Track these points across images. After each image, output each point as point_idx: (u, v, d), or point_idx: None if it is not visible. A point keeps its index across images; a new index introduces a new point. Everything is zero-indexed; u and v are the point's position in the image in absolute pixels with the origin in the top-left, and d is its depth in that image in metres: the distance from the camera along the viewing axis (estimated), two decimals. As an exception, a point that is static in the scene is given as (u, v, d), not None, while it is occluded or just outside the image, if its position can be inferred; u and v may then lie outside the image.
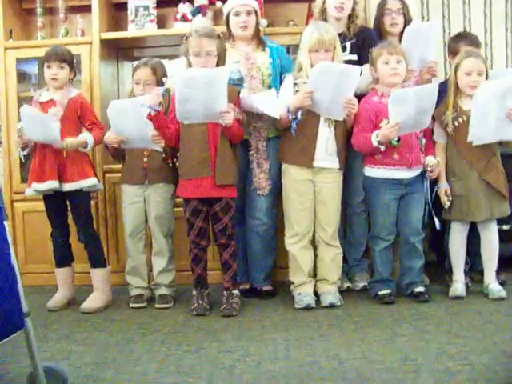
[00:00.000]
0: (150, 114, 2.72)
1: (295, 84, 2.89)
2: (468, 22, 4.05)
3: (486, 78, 2.88)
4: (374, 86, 2.98)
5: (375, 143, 2.82)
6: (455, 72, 2.91)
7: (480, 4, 4.03)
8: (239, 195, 3.06)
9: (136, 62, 3.22)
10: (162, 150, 2.95)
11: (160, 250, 3.10)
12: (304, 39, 2.91)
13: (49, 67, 2.99)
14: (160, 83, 2.99)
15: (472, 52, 2.96)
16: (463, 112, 2.87)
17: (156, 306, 3.04)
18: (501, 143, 2.93)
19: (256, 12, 3.12)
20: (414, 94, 2.73)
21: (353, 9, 3.13)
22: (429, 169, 2.88)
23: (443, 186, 2.94)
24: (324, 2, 3.10)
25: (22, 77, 3.75)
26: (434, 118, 2.97)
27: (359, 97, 2.94)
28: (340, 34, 3.03)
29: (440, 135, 3.00)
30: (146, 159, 3.04)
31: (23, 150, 2.99)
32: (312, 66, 2.82)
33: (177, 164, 2.97)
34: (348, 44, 3.11)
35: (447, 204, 2.91)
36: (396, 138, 2.85)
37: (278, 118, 2.87)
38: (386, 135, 2.79)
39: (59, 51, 3.01)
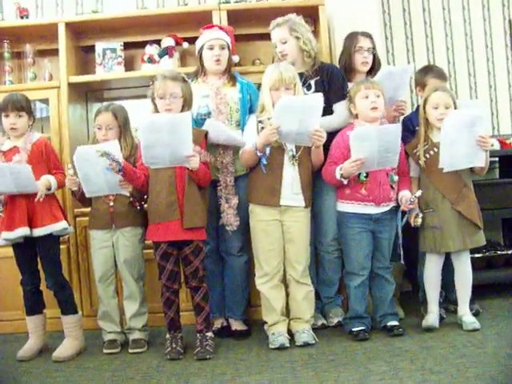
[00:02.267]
0: (119, 171, 2.74)
1: (259, 122, 2.91)
2: (432, 54, 4.17)
3: (455, 108, 2.93)
4: (351, 120, 3.02)
5: (338, 176, 2.86)
6: (424, 106, 2.97)
7: (442, 37, 4.16)
8: (214, 234, 3.06)
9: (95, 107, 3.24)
10: (128, 195, 2.95)
11: (131, 293, 3.07)
12: (265, 78, 2.96)
13: (7, 116, 2.97)
14: (122, 128, 3.02)
15: (439, 86, 3.03)
16: (434, 144, 2.92)
17: (130, 350, 3.00)
18: (472, 171, 2.97)
19: (228, 47, 3.17)
20: (375, 132, 2.78)
21: (302, 49, 3.14)
22: (407, 202, 2.88)
23: (414, 212, 2.95)
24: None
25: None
26: (407, 154, 3.02)
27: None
28: (301, 74, 3.08)
29: (413, 168, 3.04)
30: (111, 203, 3.03)
31: None
32: (274, 104, 2.85)
33: (145, 206, 2.97)
34: (312, 82, 3.15)
35: (419, 222, 2.92)
36: (364, 174, 2.89)
37: (241, 144, 2.94)
38: (347, 170, 2.83)
39: (15, 100, 2.96)
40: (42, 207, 2.94)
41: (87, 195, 2.98)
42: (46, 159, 3.01)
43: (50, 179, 2.95)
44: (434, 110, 2.93)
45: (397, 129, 2.81)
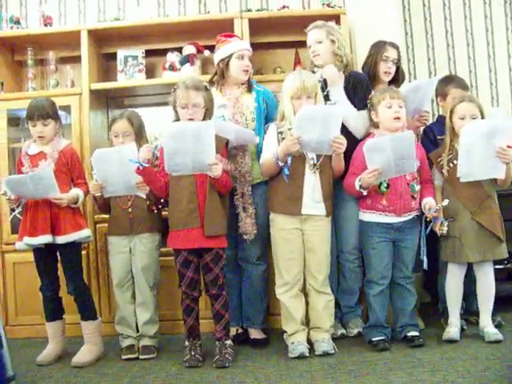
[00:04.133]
0: (138, 168, 2.75)
1: (280, 133, 2.91)
2: (453, 64, 4.15)
3: (482, 118, 2.91)
4: (372, 130, 3.01)
5: (357, 187, 2.85)
6: (450, 116, 2.95)
7: (463, 46, 4.14)
8: (232, 243, 3.06)
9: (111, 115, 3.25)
10: (145, 197, 2.96)
11: (144, 301, 3.08)
12: (286, 87, 2.95)
13: (34, 126, 2.99)
14: (138, 133, 3.03)
15: (466, 96, 3.01)
16: (458, 154, 2.89)
17: (140, 357, 3.01)
18: (495, 182, 2.93)
19: (251, 58, 3.19)
20: (388, 142, 2.76)
21: (336, 54, 3.15)
22: (432, 210, 2.85)
23: (439, 220, 2.93)
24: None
25: (15, 122, 3.79)
26: (431, 160, 3.01)
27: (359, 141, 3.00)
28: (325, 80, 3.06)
29: (436, 177, 3.03)
30: (130, 210, 3.05)
31: (17, 207, 2.96)
32: (295, 113, 2.85)
33: (162, 211, 3.00)
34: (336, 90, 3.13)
35: (445, 229, 2.89)
36: (385, 185, 2.87)
37: (257, 142, 2.96)
38: (365, 180, 2.82)
39: (40, 108, 2.97)
40: (66, 215, 2.95)
41: (105, 195, 2.98)
42: (71, 168, 3.03)
43: (78, 193, 2.98)
44: (460, 120, 2.91)
45: (409, 135, 2.78)
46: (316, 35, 3.17)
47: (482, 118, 2.91)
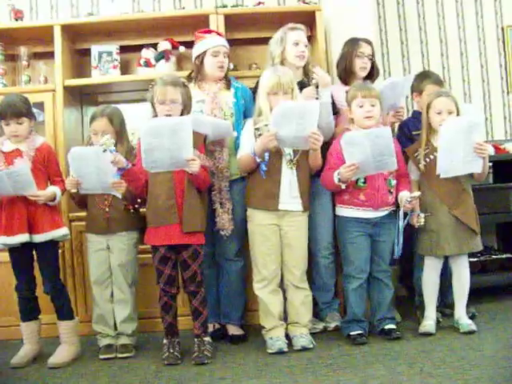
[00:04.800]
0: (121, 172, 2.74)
1: (257, 129, 2.91)
2: (426, 59, 4.20)
3: (458, 114, 2.94)
4: (348, 126, 3.02)
5: (336, 181, 2.86)
6: (427, 111, 2.98)
7: (436, 43, 4.19)
8: (209, 239, 3.05)
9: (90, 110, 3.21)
10: (121, 197, 2.93)
11: (123, 298, 3.05)
12: (262, 83, 2.95)
13: (7, 125, 2.91)
14: (118, 132, 2.99)
15: (442, 92, 3.04)
16: (434, 149, 2.93)
17: (118, 355, 2.98)
18: (471, 176, 2.97)
19: (228, 55, 3.18)
20: (365, 136, 2.77)
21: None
22: (406, 201, 2.87)
23: (416, 213, 2.96)
24: (283, 52, 3.15)
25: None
26: (407, 156, 3.04)
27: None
28: (299, 83, 3.07)
29: (413, 172, 3.06)
30: (107, 209, 3.02)
31: None
32: (271, 108, 2.85)
33: (140, 210, 2.97)
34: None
35: (422, 221, 2.92)
36: (362, 180, 2.90)
37: (234, 135, 2.98)
38: (343, 175, 2.83)
39: (13, 106, 2.88)
40: (43, 213, 2.91)
41: (80, 192, 2.94)
42: (47, 165, 2.98)
43: (56, 191, 2.93)
44: (436, 115, 2.94)
45: (386, 131, 2.79)
46: (303, 37, 3.20)
47: (458, 113, 2.94)
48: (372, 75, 3.34)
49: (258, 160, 2.85)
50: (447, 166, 2.84)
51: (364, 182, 2.91)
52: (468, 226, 2.95)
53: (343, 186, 2.88)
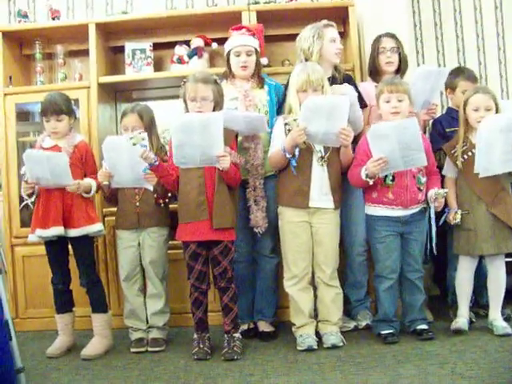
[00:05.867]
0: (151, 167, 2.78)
1: (286, 124, 2.89)
2: (462, 55, 4.11)
3: (497, 111, 2.88)
4: (377, 121, 2.97)
5: (363, 176, 2.83)
6: (464, 108, 2.93)
7: (473, 38, 4.10)
8: (249, 236, 3.08)
9: (124, 107, 3.25)
10: (152, 190, 2.96)
11: (156, 292, 3.10)
12: (292, 80, 2.94)
13: (47, 121, 2.99)
14: (148, 128, 3.01)
15: (480, 88, 2.99)
16: (472, 145, 2.88)
17: (149, 349, 3.03)
18: (511, 174, 2.91)
19: (257, 51, 3.16)
20: (392, 128, 2.72)
21: None
22: (433, 199, 2.83)
23: (453, 210, 2.94)
24: (321, 49, 3.11)
25: (22, 117, 3.80)
26: (445, 153, 3.00)
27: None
28: (329, 79, 3.05)
29: (450, 169, 3.01)
30: (138, 204, 3.06)
31: (30, 196, 2.97)
32: (301, 105, 2.83)
33: (169, 205, 3.02)
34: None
35: (458, 218, 2.89)
36: (390, 177, 2.86)
37: (268, 130, 2.97)
38: (370, 170, 2.79)
39: (54, 104, 2.97)
40: (78, 208, 2.97)
41: (112, 185, 2.99)
42: (84, 163, 3.05)
43: (92, 183, 2.99)
44: (474, 111, 2.89)
45: (413, 122, 2.72)
46: (338, 35, 3.18)
47: (497, 109, 2.88)
48: (400, 68, 3.29)
49: (289, 156, 2.84)
50: (486, 165, 2.79)
51: (392, 180, 2.87)
52: (507, 225, 2.88)
53: (371, 182, 2.84)
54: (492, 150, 2.76)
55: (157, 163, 2.78)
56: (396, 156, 2.74)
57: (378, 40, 3.30)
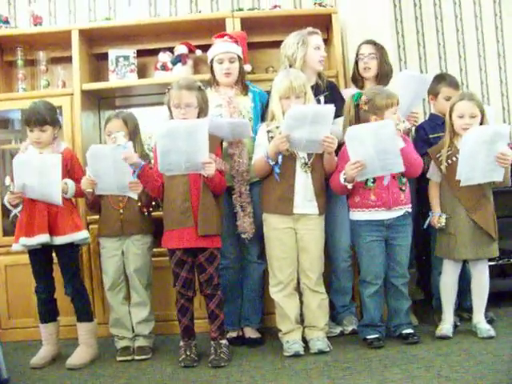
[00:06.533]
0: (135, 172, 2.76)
1: (268, 131, 2.90)
2: (444, 62, 4.17)
3: (483, 117, 2.92)
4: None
5: (342, 180, 2.85)
6: (450, 114, 2.96)
7: (454, 45, 4.16)
8: (236, 242, 3.08)
9: (108, 114, 3.25)
10: (136, 198, 2.95)
11: (141, 301, 3.09)
12: (274, 87, 2.95)
13: (31, 131, 2.95)
14: (132, 135, 3.01)
15: (465, 95, 3.00)
16: (457, 151, 2.90)
17: (135, 357, 3.01)
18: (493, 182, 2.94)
19: (239, 58, 3.17)
20: (367, 130, 2.74)
21: None
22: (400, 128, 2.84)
23: (437, 214, 2.97)
24: (304, 55, 3.13)
25: (4, 124, 3.76)
26: (430, 158, 3.03)
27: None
28: (312, 87, 3.08)
29: (435, 173, 3.04)
30: (121, 211, 3.05)
31: (16, 207, 2.93)
32: (284, 112, 2.85)
33: (153, 214, 3.00)
34: (322, 97, 3.16)
35: (443, 222, 2.93)
36: (372, 180, 2.88)
37: (252, 134, 2.97)
38: (348, 173, 2.81)
39: (38, 114, 2.92)
40: (64, 215, 2.94)
41: (96, 192, 2.96)
42: (70, 170, 3.02)
43: (67, 182, 2.95)
44: (459, 118, 2.92)
45: (388, 124, 2.74)
46: (322, 42, 3.22)
47: (483, 116, 2.91)
48: (384, 74, 3.32)
49: (272, 163, 2.85)
50: (467, 174, 2.82)
51: (373, 182, 2.89)
52: (485, 232, 2.92)
53: (349, 186, 2.85)
54: (475, 161, 2.78)
55: (142, 164, 2.76)
56: (373, 159, 2.76)
57: (357, 49, 3.37)
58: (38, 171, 2.81)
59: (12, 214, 2.98)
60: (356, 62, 3.37)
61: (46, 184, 2.83)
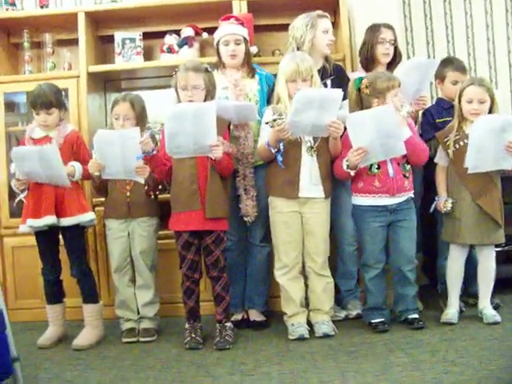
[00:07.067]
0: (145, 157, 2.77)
1: (266, 123, 2.80)
2: (452, 46, 4.13)
3: (492, 103, 2.90)
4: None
5: (345, 167, 2.83)
6: (459, 98, 2.94)
7: (462, 29, 4.11)
8: (241, 224, 3.08)
9: (114, 97, 3.23)
10: (143, 182, 2.94)
11: (145, 283, 3.10)
12: (281, 70, 2.93)
13: (37, 114, 2.94)
14: (139, 118, 3.01)
15: (475, 80, 2.97)
16: (465, 135, 2.89)
17: (140, 339, 3.02)
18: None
19: (246, 40, 3.15)
20: (369, 116, 2.72)
21: None
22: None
23: (443, 198, 2.97)
24: (313, 38, 3.11)
25: (10, 107, 3.76)
26: (438, 141, 3.01)
27: None
28: (319, 70, 3.06)
29: (442, 157, 3.02)
30: (128, 194, 3.04)
31: (23, 191, 2.93)
32: (290, 96, 2.83)
33: (159, 197, 3.00)
34: (329, 81, 3.15)
35: (449, 206, 2.93)
36: (376, 166, 2.87)
37: (258, 118, 2.97)
38: (351, 160, 2.80)
39: (44, 97, 2.91)
40: (70, 197, 2.94)
41: (103, 176, 2.95)
42: (75, 152, 3.01)
43: (74, 165, 2.95)
44: (467, 103, 2.90)
45: (388, 109, 2.73)
46: (331, 26, 3.18)
47: (493, 101, 2.89)
48: (394, 61, 3.29)
49: (274, 151, 2.83)
50: (476, 162, 2.80)
51: (378, 168, 2.87)
52: (491, 218, 2.90)
53: (352, 173, 2.84)
54: (484, 149, 2.77)
55: (153, 153, 2.76)
56: (375, 145, 2.74)
57: (377, 29, 3.25)
58: (38, 163, 2.81)
59: (17, 199, 2.99)
60: (372, 44, 3.24)
61: (50, 171, 2.84)
